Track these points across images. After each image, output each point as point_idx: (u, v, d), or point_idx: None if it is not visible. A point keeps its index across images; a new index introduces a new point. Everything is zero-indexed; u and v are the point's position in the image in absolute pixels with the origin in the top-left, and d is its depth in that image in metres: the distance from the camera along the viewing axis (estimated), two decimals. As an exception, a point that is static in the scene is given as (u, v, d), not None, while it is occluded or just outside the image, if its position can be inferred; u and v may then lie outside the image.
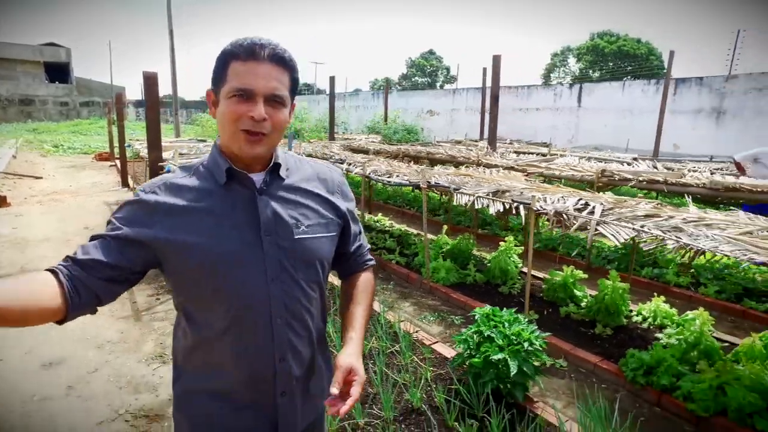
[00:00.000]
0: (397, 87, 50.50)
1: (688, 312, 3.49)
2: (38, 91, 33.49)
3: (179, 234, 1.03)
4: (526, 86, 18.67)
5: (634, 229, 2.84)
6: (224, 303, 1.07)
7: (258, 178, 1.10)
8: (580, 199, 3.37)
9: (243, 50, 1.02)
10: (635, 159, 8.16)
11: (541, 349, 2.59)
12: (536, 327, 2.68)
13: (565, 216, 3.11)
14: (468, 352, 2.61)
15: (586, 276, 4.24)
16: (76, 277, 0.96)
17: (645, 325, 3.82)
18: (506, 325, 2.62)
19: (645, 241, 2.82)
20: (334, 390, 1.02)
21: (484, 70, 16.68)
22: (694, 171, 7.10)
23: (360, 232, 1.33)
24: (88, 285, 0.97)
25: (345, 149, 8.65)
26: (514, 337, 2.54)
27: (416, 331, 3.48)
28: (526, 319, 2.81)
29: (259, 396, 1.12)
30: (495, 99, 8.13)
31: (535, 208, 3.32)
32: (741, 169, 7.13)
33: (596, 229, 2.98)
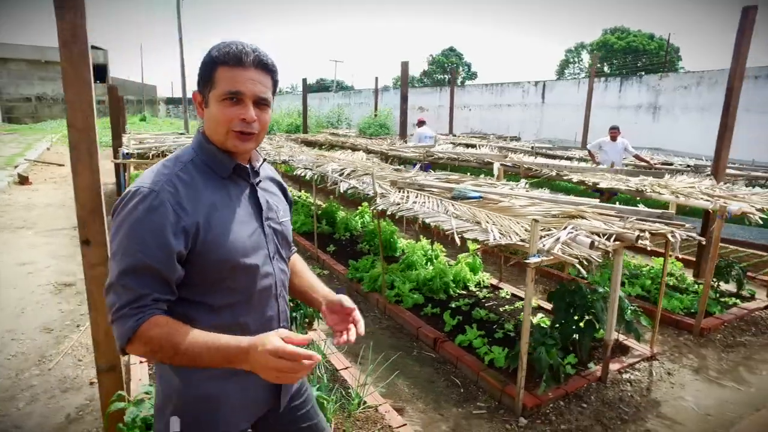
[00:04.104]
0: (418, 84, 52.12)
1: (429, 247, 5.27)
2: (79, 90, 36.93)
3: (213, 226, 1.11)
4: (499, 84, 20.13)
5: (341, 178, 4.66)
6: (246, 287, 1.18)
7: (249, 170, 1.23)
8: (342, 166, 5.20)
9: (230, 57, 1.10)
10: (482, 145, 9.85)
11: None
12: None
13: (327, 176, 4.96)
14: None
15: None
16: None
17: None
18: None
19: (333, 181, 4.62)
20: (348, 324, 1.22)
21: (451, 70, 18.25)
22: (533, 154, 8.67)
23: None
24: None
25: (288, 140, 10.61)
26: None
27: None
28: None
29: None
30: (404, 99, 9.81)
31: (322, 172, 5.19)
32: (592, 156, 8.70)
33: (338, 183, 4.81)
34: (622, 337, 3.64)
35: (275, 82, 1.19)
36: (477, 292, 4.47)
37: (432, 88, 25.10)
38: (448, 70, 55.05)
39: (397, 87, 51.94)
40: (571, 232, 2.64)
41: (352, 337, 1.19)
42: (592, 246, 2.57)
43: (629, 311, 3.32)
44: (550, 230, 2.74)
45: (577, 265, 2.46)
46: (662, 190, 4.14)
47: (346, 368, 3.07)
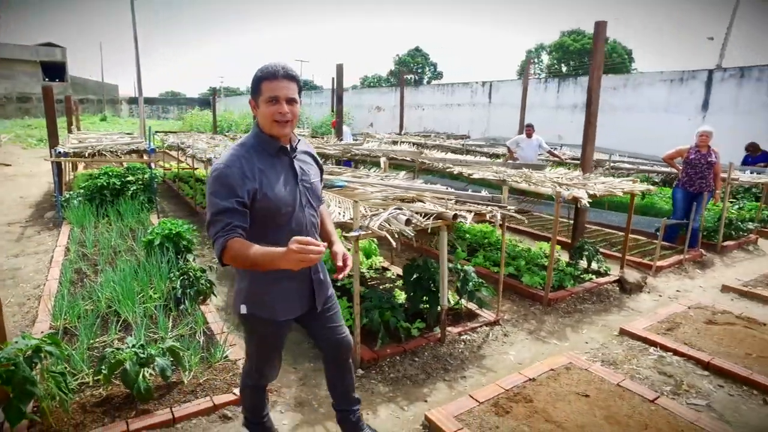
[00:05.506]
0: (384, 83, 52.69)
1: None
2: (35, 89, 36.06)
3: (265, 188, 1.80)
4: (450, 84, 20.84)
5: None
6: (287, 224, 1.88)
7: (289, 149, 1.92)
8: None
9: (269, 74, 1.77)
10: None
11: (189, 233, 4.91)
12: (190, 225, 5.01)
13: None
14: (156, 236, 4.90)
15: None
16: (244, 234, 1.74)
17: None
18: (171, 224, 4.95)
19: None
20: (340, 263, 1.94)
21: (401, 75, 18.88)
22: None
23: (321, 181, 2.19)
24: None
25: (233, 139, 11.00)
26: (172, 229, 4.86)
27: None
28: (190, 225, 5.13)
29: (303, 276, 2.00)
30: (339, 99, 10.32)
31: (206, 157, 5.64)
32: (510, 152, 9.39)
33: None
34: (473, 306, 4.23)
35: (300, 86, 1.85)
36: (365, 273, 5.02)
37: (389, 88, 25.67)
38: (413, 69, 55.81)
39: (365, 86, 52.40)
40: (393, 212, 3.20)
41: (341, 276, 1.94)
42: (408, 223, 3.13)
43: (472, 283, 3.92)
44: (378, 211, 3.29)
45: (390, 238, 3.02)
46: (520, 180, 4.76)
47: (222, 333, 3.56)
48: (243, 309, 2.00)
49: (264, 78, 1.78)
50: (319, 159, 2.16)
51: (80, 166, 11.67)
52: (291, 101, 1.81)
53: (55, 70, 38.57)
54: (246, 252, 1.66)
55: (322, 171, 2.17)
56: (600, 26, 5.18)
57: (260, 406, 2.38)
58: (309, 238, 1.52)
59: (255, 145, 1.86)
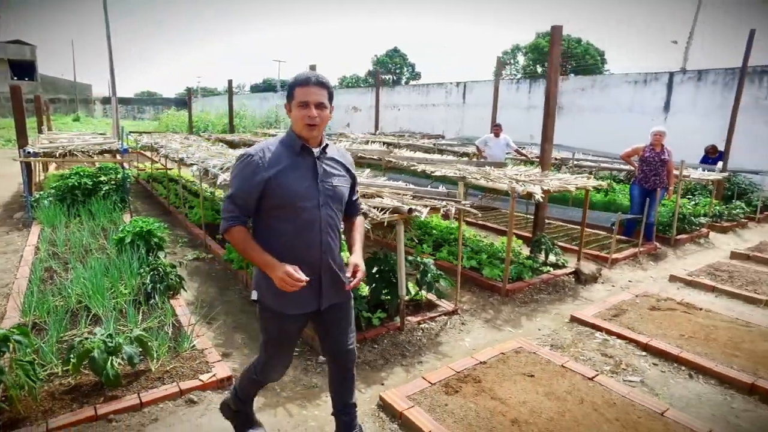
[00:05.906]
0: (363, 84, 52.84)
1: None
2: (2, 88, 35.20)
3: (279, 178, 1.94)
4: (425, 84, 21.12)
5: (180, 157, 5.27)
6: (298, 218, 1.97)
7: (315, 150, 2.02)
8: (224, 161, 5.80)
9: (301, 81, 1.92)
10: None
11: (160, 231, 5.01)
12: (161, 224, 5.11)
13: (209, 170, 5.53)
14: (127, 233, 4.99)
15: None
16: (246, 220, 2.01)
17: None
18: (142, 222, 5.04)
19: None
20: (349, 274, 2.02)
21: (377, 75, 19.10)
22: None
23: (357, 192, 2.30)
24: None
25: (207, 139, 11.06)
26: (143, 227, 4.96)
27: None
28: (162, 224, 5.23)
29: (311, 272, 1.97)
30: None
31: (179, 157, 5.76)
32: (479, 151, 9.66)
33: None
34: (433, 297, 4.44)
35: (330, 92, 1.99)
36: (333, 268, 5.18)
37: (366, 89, 25.85)
38: (391, 70, 56.05)
39: (342, 87, 52.41)
40: (352, 207, 3.38)
41: (351, 285, 2.04)
42: (365, 216, 3.31)
43: (431, 275, 4.12)
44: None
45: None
46: (479, 177, 5.00)
47: (190, 325, 3.69)
48: (254, 295, 2.11)
49: (297, 84, 1.94)
50: (352, 170, 2.21)
51: (52, 167, 11.55)
52: (320, 106, 1.94)
53: (24, 69, 37.75)
54: (244, 244, 1.96)
55: (354, 180, 2.22)
56: (556, 30, 5.44)
57: (253, 394, 2.51)
58: (300, 276, 1.86)
59: (285, 141, 2.03)
